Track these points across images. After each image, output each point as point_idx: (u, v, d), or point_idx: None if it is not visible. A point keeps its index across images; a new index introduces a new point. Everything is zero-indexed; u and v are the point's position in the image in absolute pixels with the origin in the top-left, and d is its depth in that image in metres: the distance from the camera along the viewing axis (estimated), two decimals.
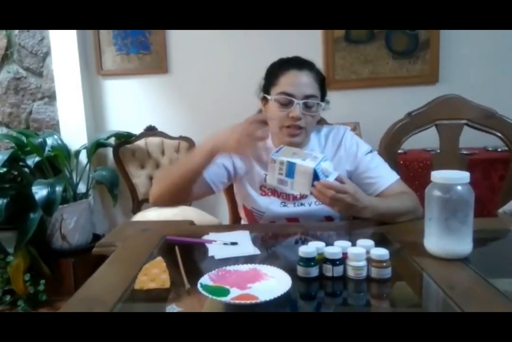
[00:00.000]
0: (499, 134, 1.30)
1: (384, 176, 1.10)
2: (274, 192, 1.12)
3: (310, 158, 0.91)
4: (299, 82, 1.05)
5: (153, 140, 2.37)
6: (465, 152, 1.65)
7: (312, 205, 1.11)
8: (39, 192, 1.91)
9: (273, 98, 1.07)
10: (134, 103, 2.46)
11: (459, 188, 0.77)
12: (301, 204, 1.11)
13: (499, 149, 2.03)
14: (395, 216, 1.03)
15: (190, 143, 2.34)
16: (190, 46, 2.39)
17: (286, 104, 1.05)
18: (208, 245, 0.91)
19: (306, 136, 1.11)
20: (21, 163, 2.17)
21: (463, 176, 0.78)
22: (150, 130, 2.40)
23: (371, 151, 1.14)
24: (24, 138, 2.21)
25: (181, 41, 2.39)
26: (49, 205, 1.91)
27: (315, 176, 0.88)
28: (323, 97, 1.11)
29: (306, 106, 1.05)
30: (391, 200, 1.05)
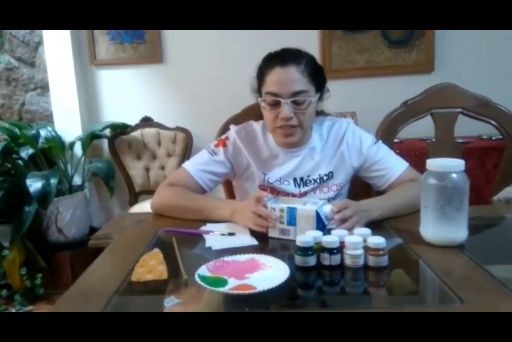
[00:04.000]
0: (494, 123, 1.30)
1: (393, 167, 1.08)
2: (273, 190, 1.11)
3: (310, 203, 0.89)
4: (283, 80, 1.00)
5: (149, 131, 2.35)
6: (460, 141, 1.66)
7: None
8: (34, 184, 1.90)
9: (262, 99, 1.04)
10: (129, 94, 2.43)
11: (454, 175, 0.77)
12: None
13: (494, 138, 2.04)
14: (406, 207, 0.99)
15: (187, 133, 2.33)
16: (185, 35, 2.35)
17: (274, 104, 1.02)
18: (205, 236, 0.91)
19: (304, 134, 1.07)
20: (14, 155, 2.15)
21: (458, 164, 0.78)
22: (146, 121, 2.38)
23: (375, 142, 1.11)
24: (17, 130, 2.18)
25: (176, 31, 2.35)
26: (44, 197, 1.89)
27: (318, 219, 0.85)
28: (319, 88, 1.05)
29: (296, 104, 1.01)
30: (397, 193, 1.02)
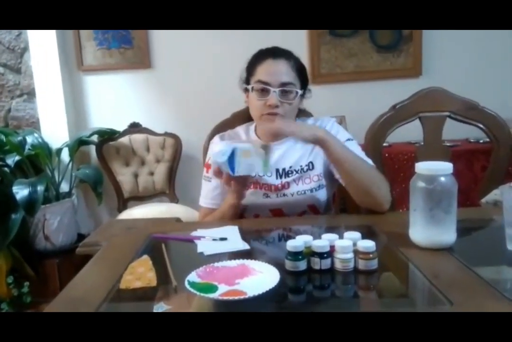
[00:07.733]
0: (481, 126, 1.32)
1: None
2: (257, 184, 1.13)
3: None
4: (274, 71, 1.07)
5: (138, 137, 2.34)
6: (448, 144, 1.67)
7: (295, 195, 1.12)
8: (20, 191, 1.87)
9: (251, 87, 1.09)
10: (117, 99, 2.42)
11: (442, 178, 0.78)
12: (284, 195, 1.12)
13: (481, 141, 2.07)
14: (352, 165, 0.99)
15: (176, 139, 2.32)
16: (173, 41, 2.35)
17: (263, 92, 1.07)
18: (197, 241, 0.90)
19: None
20: (0, 162, 2.12)
21: (446, 167, 0.79)
22: (134, 127, 2.37)
23: (350, 139, 1.13)
24: (3, 137, 2.15)
25: (164, 35, 2.35)
26: (30, 205, 1.87)
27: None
28: (303, 86, 1.12)
29: (283, 94, 1.07)
30: (358, 156, 1.03)
